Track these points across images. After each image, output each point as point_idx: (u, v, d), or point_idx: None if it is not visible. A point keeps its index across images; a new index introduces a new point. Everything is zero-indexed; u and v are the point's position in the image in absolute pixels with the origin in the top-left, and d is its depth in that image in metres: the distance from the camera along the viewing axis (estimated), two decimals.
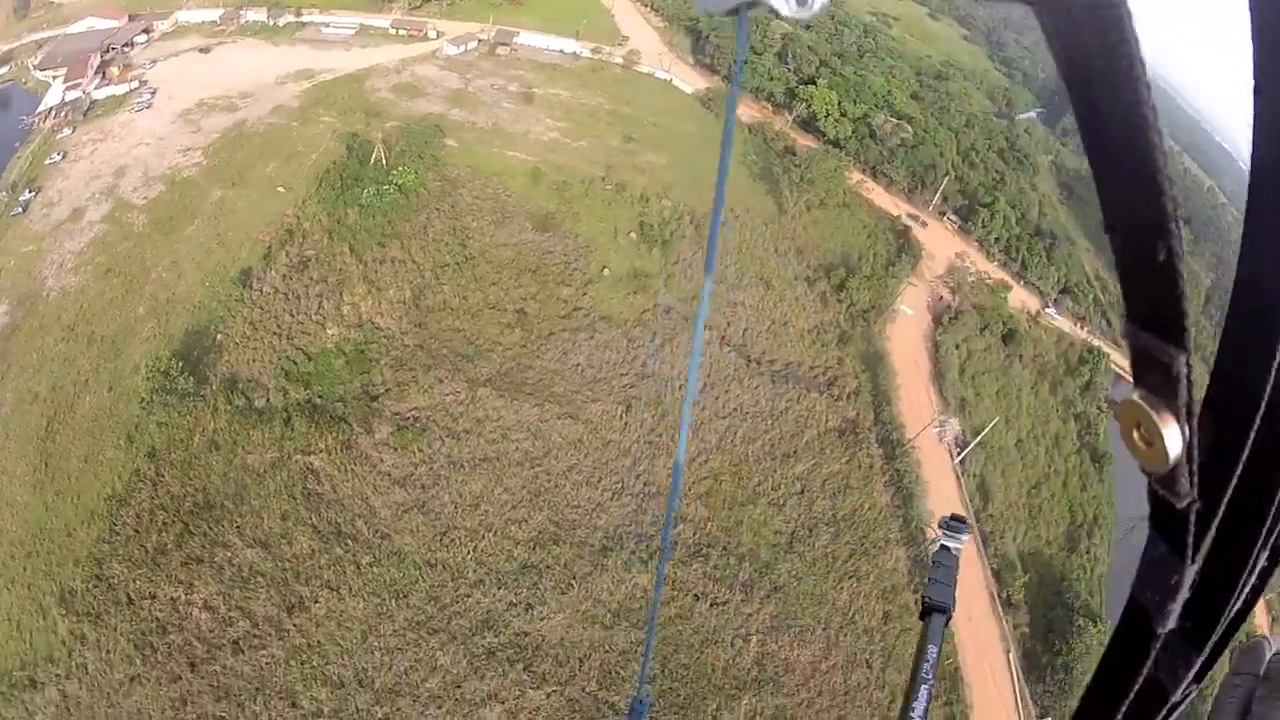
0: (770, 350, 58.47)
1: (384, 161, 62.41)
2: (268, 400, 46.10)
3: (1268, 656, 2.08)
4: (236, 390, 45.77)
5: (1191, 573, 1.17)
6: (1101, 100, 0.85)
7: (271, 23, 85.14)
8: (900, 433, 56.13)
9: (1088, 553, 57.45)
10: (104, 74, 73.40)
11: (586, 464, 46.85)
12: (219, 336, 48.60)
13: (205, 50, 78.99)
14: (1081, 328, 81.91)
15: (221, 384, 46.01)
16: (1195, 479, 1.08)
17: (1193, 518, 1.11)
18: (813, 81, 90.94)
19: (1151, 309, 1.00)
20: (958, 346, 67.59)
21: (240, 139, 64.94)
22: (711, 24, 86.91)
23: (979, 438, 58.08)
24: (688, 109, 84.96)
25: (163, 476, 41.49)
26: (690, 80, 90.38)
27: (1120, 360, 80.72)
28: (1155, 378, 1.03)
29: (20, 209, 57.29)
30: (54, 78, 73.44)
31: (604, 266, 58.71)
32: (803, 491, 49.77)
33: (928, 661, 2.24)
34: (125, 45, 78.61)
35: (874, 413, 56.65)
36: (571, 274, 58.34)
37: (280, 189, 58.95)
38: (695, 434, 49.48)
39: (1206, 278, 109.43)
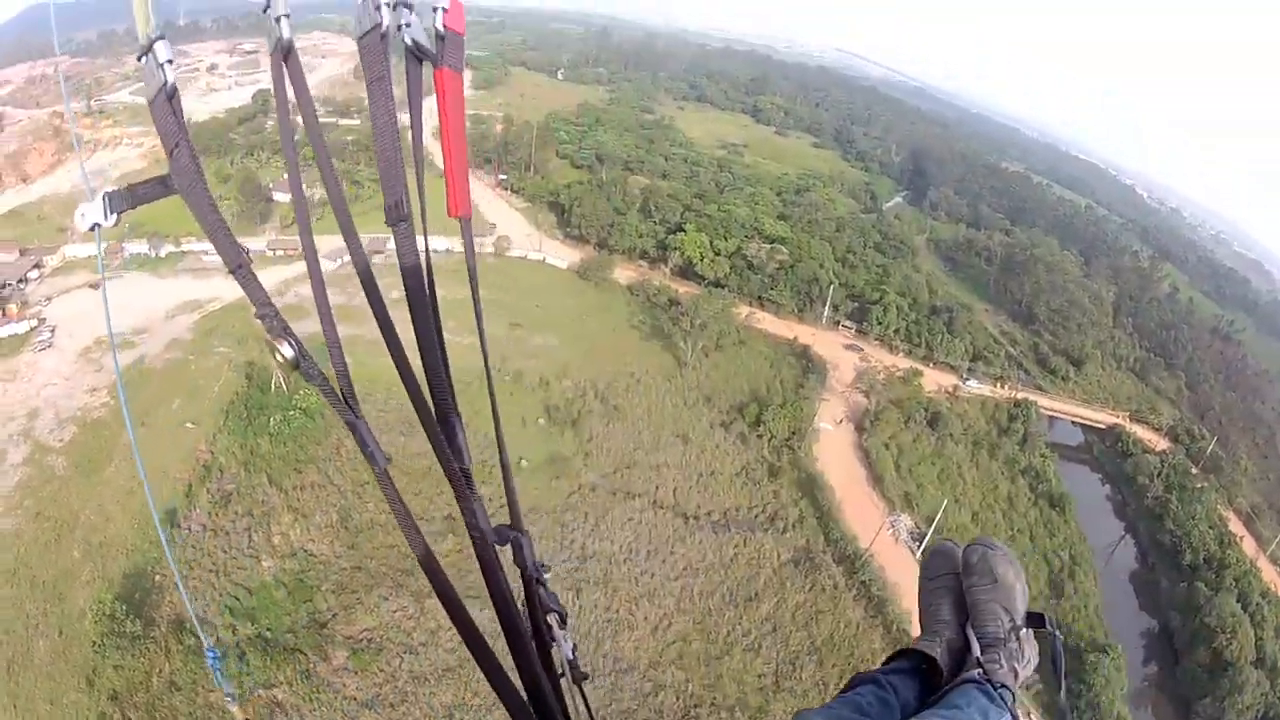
0: (704, 502, 58.53)
1: (284, 387, 62.21)
2: (217, 638, 44.14)
3: (959, 554, 2.44)
4: (185, 630, 43.49)
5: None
6: None
7: (153, 254, 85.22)
8: (854, 545, 56.04)
9: (1076, 592, 58.46)
10: (3, 311, 72.34)
11: None
12: (157, 578, 46.76)
13: (95, 286, 78.31)
14: (1002, 386, 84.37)
15: (169, 625, 43.76)
16: (316, 365, 1.69)
17: (339, 389, 1.72)
18: (680, 229, 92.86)
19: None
20: (886, 445, 68.55)
21: (142, 376, 64.05)
22: (571, 195, 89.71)
23: (933, 525, 58.44)
24: (566, 284, 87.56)
25: None
26: (563, 255, 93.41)
27: (1049, 404, 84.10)
28: (268, 324, 1.63)
29: None
30: None
31: (520, 458, 57.87)
32: (775, 630, 49.04)
33: None
34: (19, 281, 77.90)
35: (823, 535, 56.83)
36: (490, 472, 57.28)
37: (189, 424, 58.07)
38: (651, 600, 48.71)
39: (1109, 291, 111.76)
